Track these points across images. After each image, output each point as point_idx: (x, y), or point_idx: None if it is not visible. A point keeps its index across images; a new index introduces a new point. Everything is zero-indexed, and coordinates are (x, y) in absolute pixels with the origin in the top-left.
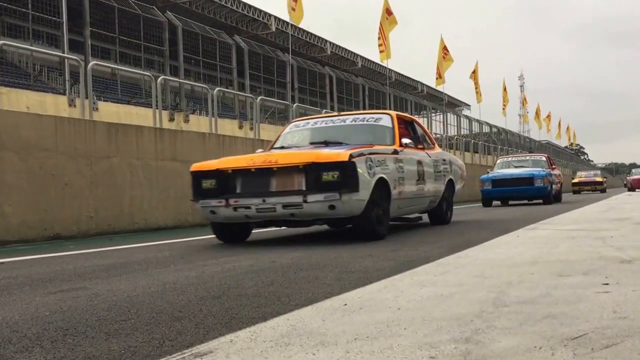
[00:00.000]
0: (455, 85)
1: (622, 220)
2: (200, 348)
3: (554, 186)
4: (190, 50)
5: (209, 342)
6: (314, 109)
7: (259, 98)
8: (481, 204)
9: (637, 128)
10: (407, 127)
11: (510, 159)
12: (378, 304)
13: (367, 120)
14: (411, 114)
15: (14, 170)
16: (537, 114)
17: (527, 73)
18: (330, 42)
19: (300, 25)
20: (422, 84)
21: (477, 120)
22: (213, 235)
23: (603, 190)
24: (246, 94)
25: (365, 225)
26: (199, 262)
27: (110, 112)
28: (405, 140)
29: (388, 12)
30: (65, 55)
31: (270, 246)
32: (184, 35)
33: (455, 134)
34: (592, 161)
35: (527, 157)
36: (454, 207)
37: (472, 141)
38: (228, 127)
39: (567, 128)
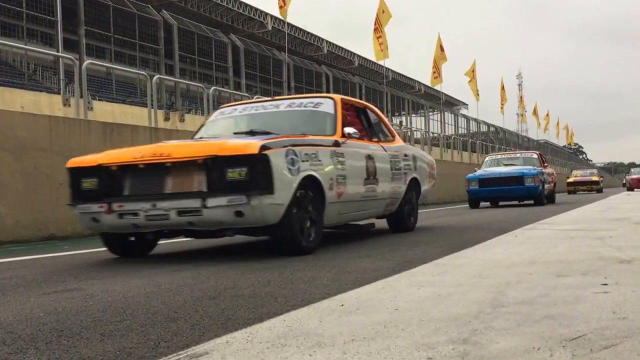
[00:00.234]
0: (453, 84)
1: (621, 220)
2: (196, 349)
3: (546, 185)
4: (185, 49)
5: (205, 343)
6: None
7: (255, 97)
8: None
9: (636, 127)
10: (357, 114)
11: (499, 156)
12: (375, 304)
13: (304, 106)
14: (408, 113)
15: (8, 170)
16: (535, 112)
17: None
18: (327, 41)
19: (297, 24)
20: (419, 83)
21: (475, 120)
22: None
23: (599, 191)
24: (242, 93)
25: (285, 237)
26: (194, 262)
27: (105, 111)
28: (350, 130)
29: (377, 24)
30: (60, 54)
31: (266, 247)
32: (180, 34)
33: (453, 133)
34: (591, 160)
35: (518, 155)
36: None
37: (470, 140)
38: None
39: (566, 127)
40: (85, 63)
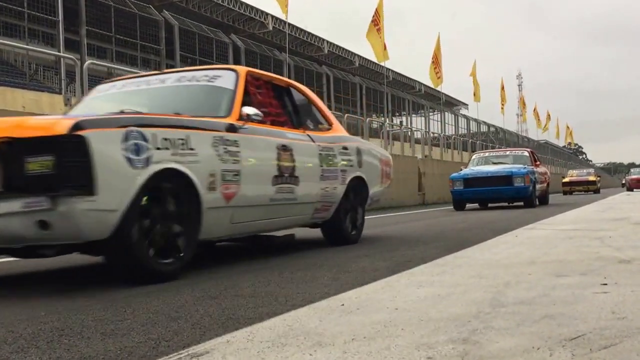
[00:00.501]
0: (453, 85)
1: (621, 220)
2: (197, 348)
3: (537, 186)
4: (186, 49)
5: (206, 343)
6: None
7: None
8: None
9: (635, 127)
10: (276, 94)
11: (487, 154)
12: (375, 304)
13: (196, 80)
14: (409, 114)
15: None
16: (536, 113)
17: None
18: (328, 41)
19: (298, 24)
20: (420, 83)
21: (475, 120)
22: None
23: (597, 191)
24: None
25: (122, 259)
26: (194, 261)
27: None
28: (250, 111)
29: (376, 16)
30: (61, 54)
31: (266, 247)
32: (181, 34)
33: (453, 133)
34: (591, 161)
35: (507, 152)
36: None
37: (470, 140)
38: None
39: (566, 127)
40: (86, 63)
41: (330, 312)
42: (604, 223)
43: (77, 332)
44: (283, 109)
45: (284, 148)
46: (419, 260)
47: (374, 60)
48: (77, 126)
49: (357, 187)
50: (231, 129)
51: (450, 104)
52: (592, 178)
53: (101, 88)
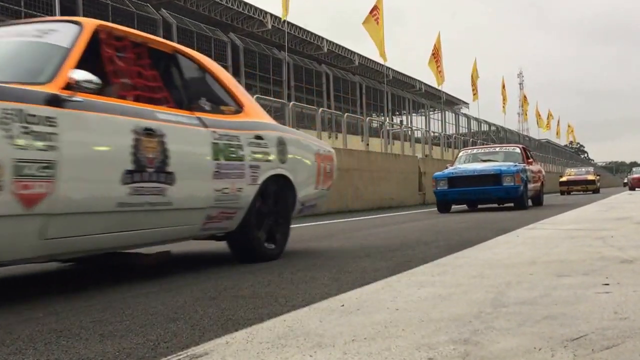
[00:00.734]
0: (453, 84)
1: (623, 220)
2: (196, 350)
3: (530, 185)
4: None
5: (205, 344)
6: (310, 108)
7: (255, 96)
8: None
9: (637, 126)
10: (144, 60)
11: (475, 151)
12: (376, 304)
13: (25, 35)
14: (409, 113)
15: None
16: (537, 112)
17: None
18: (327, 40)
19: (297, 23)
20: (420, 82)
21: (476, 119)
22: None
23: (596, 191)
24: None
25: None
26: (195, 262)
27: None
28: (80, 76)
29: (375, 10)
30: None
31: None
32: (179, 33)
33: (454, 132)
34: (593, 160)
35: (497, 149)
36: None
37: (471, 140)
38: None
39: (568, 126)
40: None
41: (330, 313)
42: (605, 223)
43: (75, 334)
44: (162, 82)
45: (149, 132)
46: (419, 261)
47: (374, 58)
48: None
49: (279, 188)
50: (53, 101)
51: (451, 103)
52: (591, 177)
53: None
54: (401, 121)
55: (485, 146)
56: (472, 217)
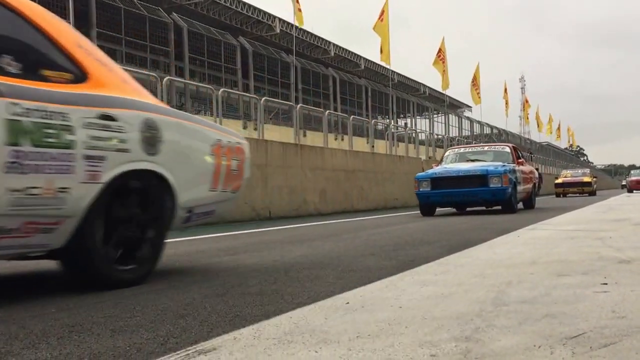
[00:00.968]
0: (456, 87)
1: (621, 221)
2: (205, 345)
3: (520, 187)
4: (195, 51)
5: (213, 340)
6: (317, 110)
7: (263, 99)
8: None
9: (635, 130)
10: None
11: (462, 150)
12: (379, 302)
13: None
14: (413, 115)
15: None
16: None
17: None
18: (334, 44)
19: (304, 27)
20: (424, 85)
21: (478, 122)
22: (216, 234)
23: (592, 193)
24: (250, 95)
25: None
26: (202, 260)
27: None
28: None
29: (382, 14)
30: None
31: (273, 246)
32: (190, 37)
33: (457, 135)
34: (592, 162)
35: (486, 148)
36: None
37: (474, 142)
38: (232, 127)
39: (568, 129)
40: None
41: (335, 310)
42: (604, 224)
43: (87, 329)
44: None
45: None
46: (422, 260)
47: (380, 63)
48: None
49: (146, 189)
50: None
51: (454, 106)
52: (587, 179)
53: None
54: (406, 124)
55: (473, 145)
56: (473, 218)
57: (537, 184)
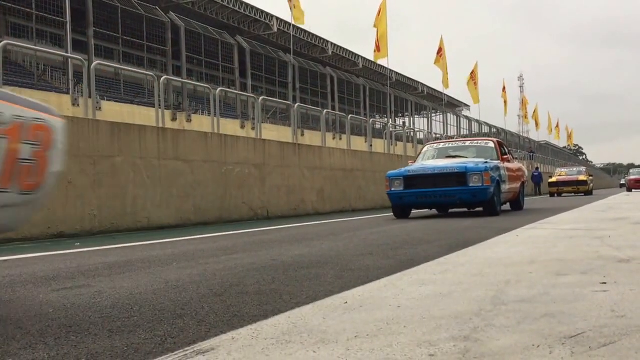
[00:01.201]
0: (455, 86)
1: (620, 220)
2: (203, 345)
3: (504, 186)
4: (192, 51)
5: (211, 340)
6: (315, 109)
7: (261, 98)
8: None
9: (635, 129)
10: None
11: (442, 145)
12: (378, 302)
13: None
14: (412, 114)
15: None
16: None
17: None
18: (332, 43)
19: (302, 26)
20: (422, 84)
21: (477, 121)
22: (214, 234)
23: (588, 193)
24: (248, 94)
25: None
26: (200, 260)
27: (114, 111)
28: None
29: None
30: (69, 55)
31: (271, 245)
32: (187, 36)
33: (456, 134)
34: (591, 161)
35: (468, 143)
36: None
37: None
38: (230, 126)
39: (566, 128)
40: (93, 64)
41: (333, 310)
42: (603, 223)
43: (84, 329)
44: None
45: None
46: (421, 259)
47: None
48: None
49: None
50: None
51: (453, 105)
52: (582, 178)
53: None
54: (404, 123)
55: (454, 140)
56: (473, 217)
57: (535, 185)
